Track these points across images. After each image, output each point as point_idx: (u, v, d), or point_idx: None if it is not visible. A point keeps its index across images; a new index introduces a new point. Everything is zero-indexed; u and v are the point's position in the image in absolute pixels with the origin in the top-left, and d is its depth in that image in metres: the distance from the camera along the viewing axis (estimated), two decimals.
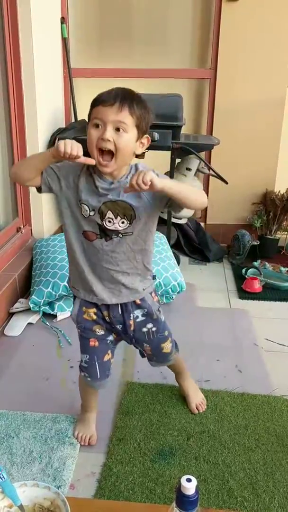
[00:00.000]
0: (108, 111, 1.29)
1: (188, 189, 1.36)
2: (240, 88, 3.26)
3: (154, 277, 1.60)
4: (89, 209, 1.39)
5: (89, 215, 1.39)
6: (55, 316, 2.50)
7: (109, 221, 1.39)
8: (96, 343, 1.58)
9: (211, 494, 1.50)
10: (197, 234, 3.43)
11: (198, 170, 3.21)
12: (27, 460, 1.61)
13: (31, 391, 1.96)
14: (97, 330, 1.57)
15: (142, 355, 1.75)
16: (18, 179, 1.46)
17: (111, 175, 1.37)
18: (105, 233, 1.41)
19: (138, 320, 1.57)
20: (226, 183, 2.89)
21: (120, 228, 1.40)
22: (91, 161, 1.31)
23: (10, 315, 2.50)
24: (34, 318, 2.47)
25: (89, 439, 1.71)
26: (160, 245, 2.79)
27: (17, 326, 2.40)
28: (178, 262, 2.99)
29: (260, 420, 1.81)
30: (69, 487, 1.52)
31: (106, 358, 1.62)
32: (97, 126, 1.31)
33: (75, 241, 1.46)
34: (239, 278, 3.03)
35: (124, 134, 1.30)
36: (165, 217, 3.11)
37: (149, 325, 1.60)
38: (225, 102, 3.31)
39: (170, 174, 2.86)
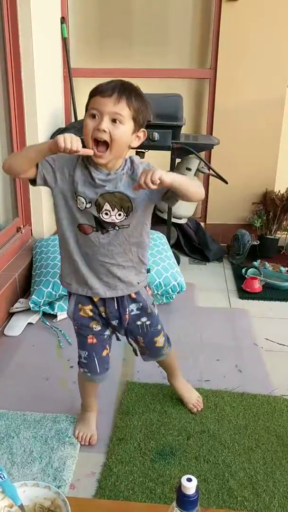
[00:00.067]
0: (106, 102, 1.29)
1: (189, 182, 1.36)
2: (240, 88, 3.26)
3: (148, 271, 1.61)
4: (86, 202, 1.38)
5: (85, 207, 1.39)
6: (55, 316, 2.50)
7: (106, 214, 1.39)
8: (94, 340, 1.59)
9: (211, 493, 1.50)
10: (197, 234, 3.43)
11: (198, 170, 3.21)
12: (27, 460, 1.61)
13: (31, 391, 1.96)
14: (94, 326, 1.57)
15: (136, 353, 1.74)
16: (12, 171, 1.40)
17: (106, 166, 1.37)
18: (102, 226, 1.41)
19: (132, 313, 1.58)
20: (226, 183, 2.89)
21: (117, 221, 1.40)
22: (89, 152, 1.31)
23: (10, 315, 2.51)
24: (34, 318, 2.47)
25: (89, 439, 1.71)
26: (160, 245, 2.79)
27: (17, 326, 2.40)
28: (178, 262, 2.99)
29: (260, 419, 1.82)
30: (69, 487, 1.53)
31: (105, 353, 1.63)
32: (93, 116, 1.31)
33: (69, 235, 1.45)
34: (239, 278, 3.03)
35: (120, 125, 1.30)
36: (165, 217, 3.11)
37: (143, 319, 1.61)
38: (225, 102, 3.31)
39: None
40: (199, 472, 1.58)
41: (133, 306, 1.57)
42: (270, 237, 3.35)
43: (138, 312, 1.59)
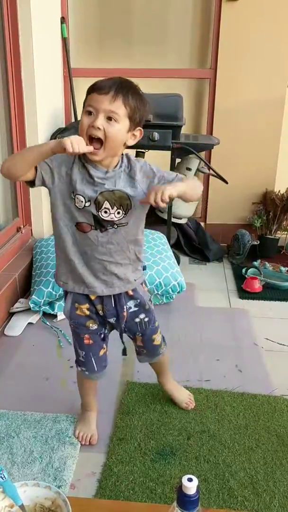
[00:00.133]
0: (102, 99, 1.29)
1: (191, 186, 1.39)
2: (240, 88, 3.26)
3: (144, 268, 1.61)
4: (85, 200, 1.38)
5: (84, 206, 1.38)
6: (55, 316, 2.50)
7: (105, 212, 1.39)
8: (91, 341, 1.60)
9: (212, 493, 1.50)
10: (197, 234, 3.43)
11: (198, 170, 3.21)
12: (28, 460, 1.61)
13: (31, 391, 1.96)
14: (90, 325, 1.57)
15: (124, 353, 1.72)
16: (11, 175, 1.36)
17: (102, 164, 1.37)
18: (100, 224, 1.41)
19: (130, 310, 1.58)
20: (226, 182, 2.89)
21: (116, 219, 1.41)
22: (89, 148, 1.30)
23: (10, 315, 2.51)
24: (34, 318, 2.47)
25: (89, 439, 1.71)
26: (160, 245, 2.79)
27: (17, 326, 2.40)
28: (178, 262, 2.99)
29: (260, 419, 1.82)
30: (70, 487, 1.53)
31: (102, 352, 1.64)
32: (89, 113, 1.31)
33: (66, 233, 1.44)
34: (239, 278, 3.03)
35: (115, 124, 1.30)
36: (165, 217, 3.11)
37: (142, 316, 1.61)
38: (225, 102, 3.31)
39: None
40: (199, 472, 1.58)
41: (131, 303, 1.58)
42: (270, 237, 3.35)
43: (136, 309, 1.59)
